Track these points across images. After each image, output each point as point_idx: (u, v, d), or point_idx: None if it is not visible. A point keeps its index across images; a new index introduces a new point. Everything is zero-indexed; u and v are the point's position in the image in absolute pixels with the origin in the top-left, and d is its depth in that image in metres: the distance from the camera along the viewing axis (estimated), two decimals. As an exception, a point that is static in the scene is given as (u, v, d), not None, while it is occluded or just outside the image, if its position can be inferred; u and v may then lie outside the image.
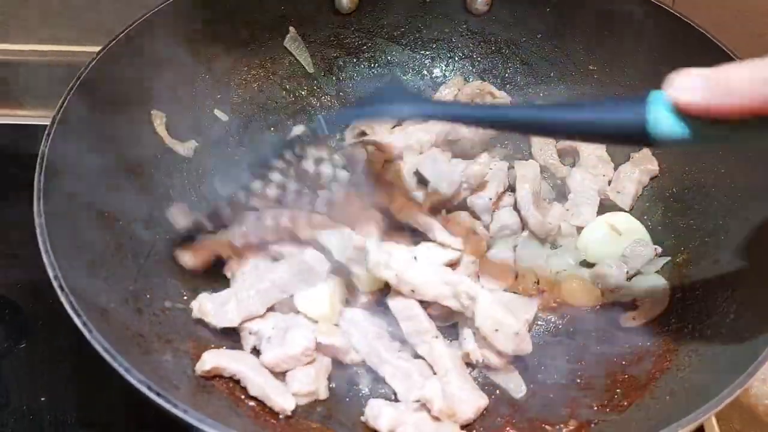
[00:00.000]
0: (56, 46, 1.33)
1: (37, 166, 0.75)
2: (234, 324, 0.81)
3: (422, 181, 0.95)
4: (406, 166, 0.97)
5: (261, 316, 0.82)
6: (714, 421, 0.86)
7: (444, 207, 0.96)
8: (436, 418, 0.75)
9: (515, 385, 0.81)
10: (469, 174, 0.94)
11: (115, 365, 0.61)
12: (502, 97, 1.09)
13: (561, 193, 1.03)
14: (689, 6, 1.14)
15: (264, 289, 0.83)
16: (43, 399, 0.89)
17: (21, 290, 1.01)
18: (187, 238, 0.88)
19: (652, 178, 1.01)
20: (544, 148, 1.07)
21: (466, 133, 1.02)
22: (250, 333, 0.82)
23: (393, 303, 0.82)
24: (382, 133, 1.05)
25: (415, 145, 1.00)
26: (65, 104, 0.82)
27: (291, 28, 1.11)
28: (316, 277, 0.84)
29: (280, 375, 0.79)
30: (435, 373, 0.79)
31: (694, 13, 1.04)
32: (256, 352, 0.82)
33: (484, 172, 0.95)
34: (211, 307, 0.82)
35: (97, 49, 0.91)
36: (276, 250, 0.88)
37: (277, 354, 0.78)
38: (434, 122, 1.00)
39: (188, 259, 0.86)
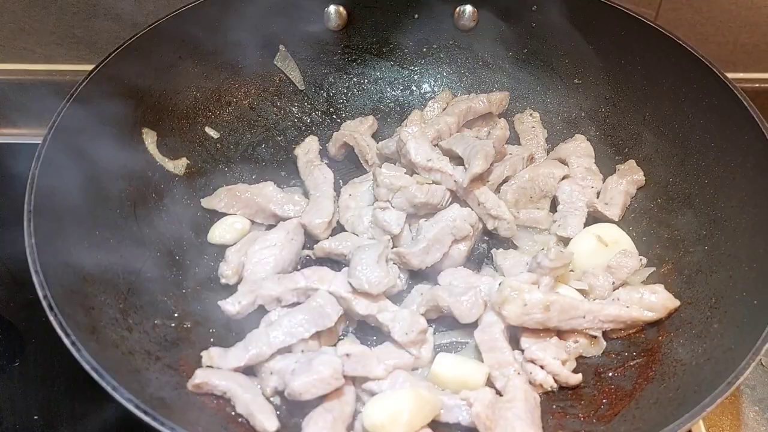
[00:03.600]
0: (48, 65, 1.34)
1: (27, 187, 0.76)
2: (240, 363, 0.80)
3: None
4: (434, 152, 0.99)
5: (280, 355, 0.81)
6: (703, 428, 0.87)
7: (482, 182, 0.98)
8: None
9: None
10: (493, 136, 1.01)
11: (103, 383, 0.61)
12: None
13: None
14: (671, 19, 1.16)
15: (273, 335, 0.82)
16: (36, 417, 0.89)
17: (15, 309, 1.02)
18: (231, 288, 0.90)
19: (638, 189, 1.02)
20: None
21: (482, 110, 1.09)
22: (271, 373, 0.80)
23: (478, 334, 0.84)
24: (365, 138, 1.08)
25: (443, 127, 1.04)
26: (56, 125, 0.83)
27: (281, 46, 1.12)
28: (326, 319, 0.83)
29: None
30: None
31: (677, 26, 1.06)
32: (278, 395, 0.80)
33: (506, 134, 1.04)
34: (219, 352, 0.81)
35: (88, 67, 0.92)
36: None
37: (306, 380, 0.75)
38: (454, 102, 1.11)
39: (230, 307, 0.86)
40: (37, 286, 0.68)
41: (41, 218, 0.74)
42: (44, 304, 0.66)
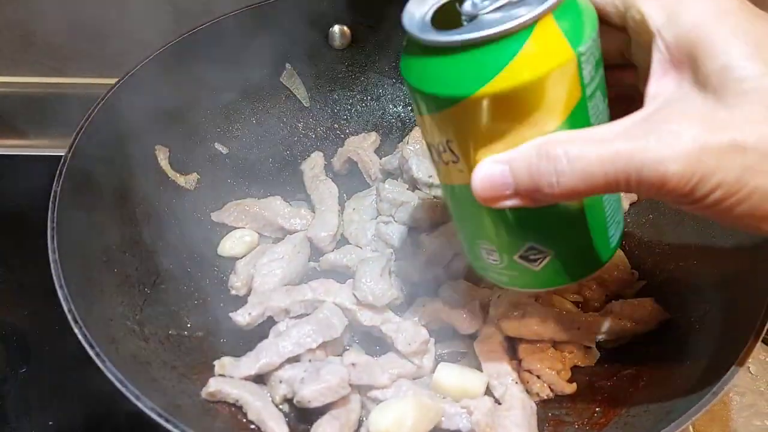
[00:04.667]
0: (58, 79, 1.37)
1: (50, 204, 0.78)
2: (251, 372, 0.82)
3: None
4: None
5: (289, 364, 0.83)
6: (693, 435, 0.91)
7: None
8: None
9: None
10: None
11: (127, 393, 0.64)
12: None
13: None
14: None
15: (282, 345, 0.84)
16: (51, 423, 0.92)
17: (26, 317, 1.05)
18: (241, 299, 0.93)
19: (631, 205, 1.05)
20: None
21: None
22: (280, 381, 0.82)
23: (478, 345, 0.87)
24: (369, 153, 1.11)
25: None
26: (77, 142, 0.86)
27: (287, 65, 1.16)
28: (333, 330, 0.85)
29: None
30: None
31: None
32: (287, 403, 0.83)
33: None
34: (231, 361, 0.84)
35: (98, 81, 0.95)
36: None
37: (315, 388, 0.78)
38: None
39: (241, 318, 0.88)
40: (62, 300, 0.70)
41: (62, 234, 0.77)
42: (69, 317, 0.69)
